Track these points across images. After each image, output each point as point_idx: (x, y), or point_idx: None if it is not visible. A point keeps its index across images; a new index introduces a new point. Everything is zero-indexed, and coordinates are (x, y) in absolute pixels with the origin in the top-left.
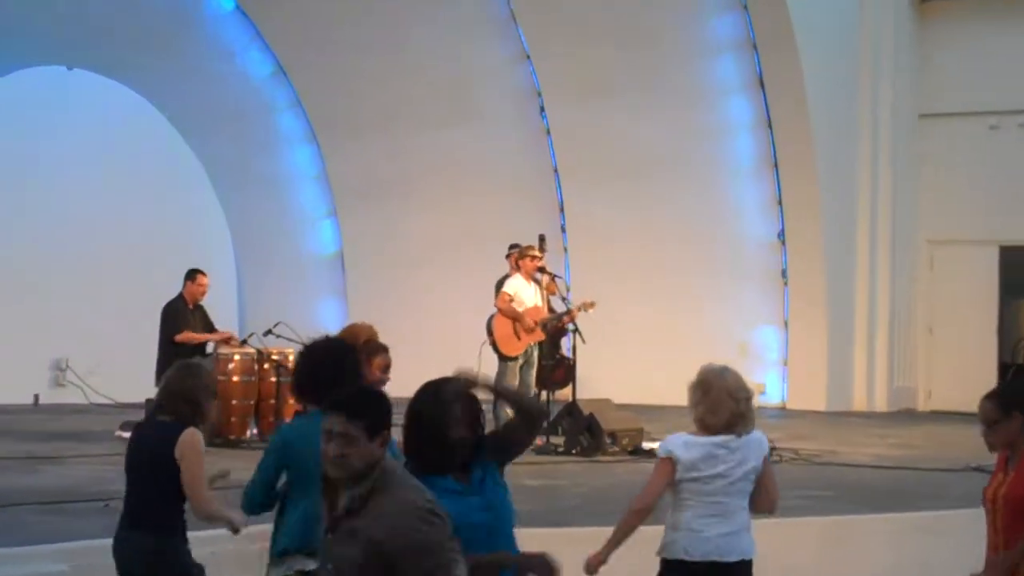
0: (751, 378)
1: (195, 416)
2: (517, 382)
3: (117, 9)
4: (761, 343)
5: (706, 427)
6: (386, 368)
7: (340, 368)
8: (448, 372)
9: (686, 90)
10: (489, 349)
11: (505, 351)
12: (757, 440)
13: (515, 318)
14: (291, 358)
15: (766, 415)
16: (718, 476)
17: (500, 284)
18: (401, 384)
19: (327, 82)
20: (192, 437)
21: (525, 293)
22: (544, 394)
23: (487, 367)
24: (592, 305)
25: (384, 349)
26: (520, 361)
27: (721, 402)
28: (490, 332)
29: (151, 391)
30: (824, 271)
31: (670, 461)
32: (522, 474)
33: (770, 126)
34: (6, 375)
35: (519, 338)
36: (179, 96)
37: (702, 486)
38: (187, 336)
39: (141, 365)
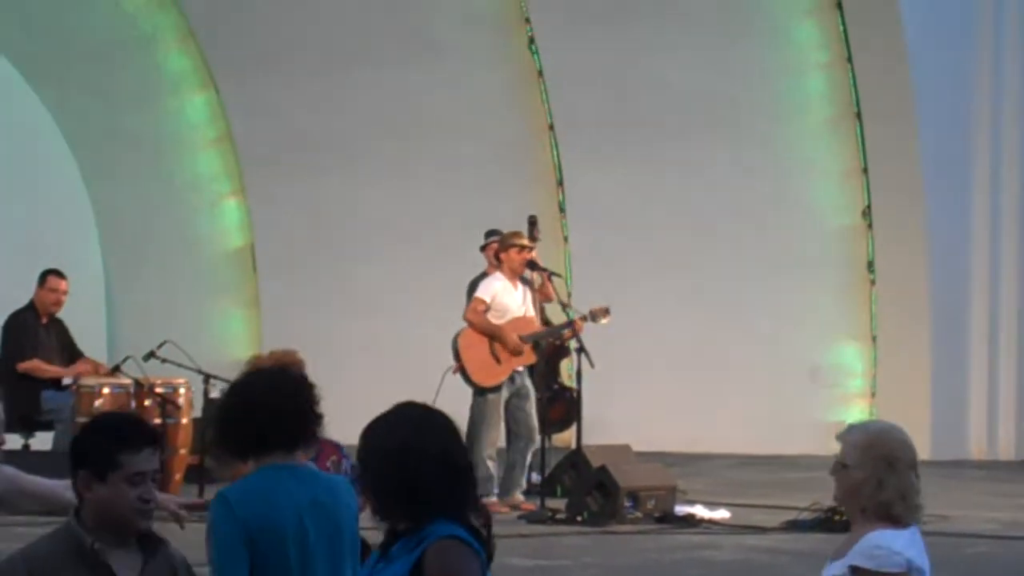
0: (826, 415)
1: None
2: (502, 425)
3: None
4: (839, 367)
5: (892, 519)
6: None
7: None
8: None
9: (733, 14)
10: (458, 378)
11: (480, 380)
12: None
13: (492, 335)
14: (182, 391)
15: None
16: None
17: (474, 286)
18: (335, 428)
19: (231, 6)
20: None
21: (508, 298)
22: (539, 439)
23: (454, 402)
24: (606, 313)
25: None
26: (504, 394)
27: (911, 482)
28: (457, 355)
29: None
30: (927, 265)
31: None
32: (505, 551)
33: (850, 61)
34: None
35: (499, 361)
36: (21, 26)
37: None
38: (35, 366)
39: None
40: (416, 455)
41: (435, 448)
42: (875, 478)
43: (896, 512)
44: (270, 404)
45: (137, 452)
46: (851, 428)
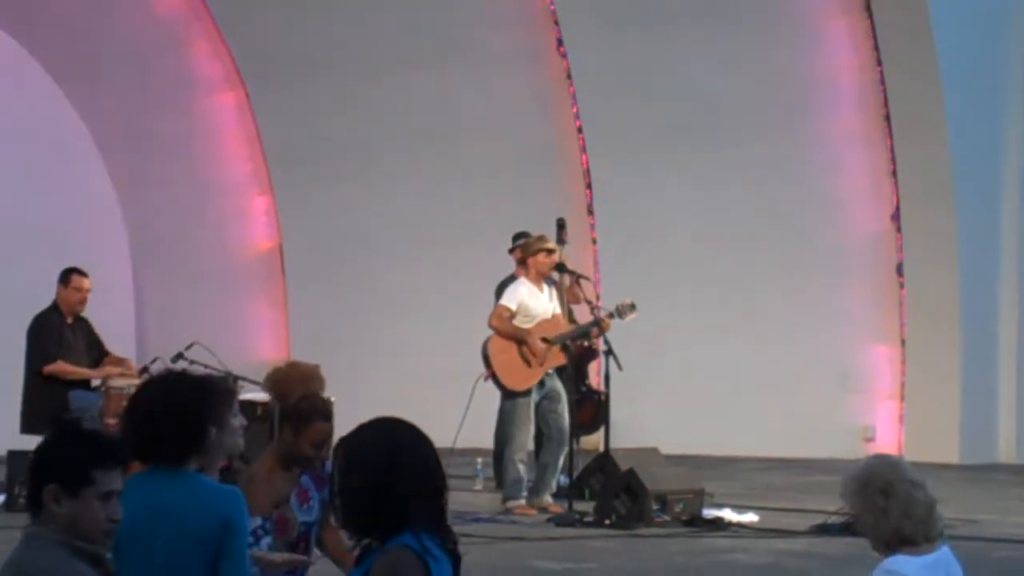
0: (856, 418)
1: None
2: (532, 427)
3: None
4: (868, 371)
5: (904, 540)
6: (322, 443)
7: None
8: (432, 419)
9: (763, 17)
10: (491, 384)
11: (512, 385)
12: (953, 561)
13: (519, 339)
14: None
15: None
16: None
17: (503, 288)
18: None
19: (260, 9)
20: None
21: (534, 302)
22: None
23: (487, 414)
24: (632, 308)
25: (325, 415)
26: (534, 397)
27: (912, 498)
28: (487, 361)
29: (13, 439)
30: (957, 268)
31: None
32: (533, 554)
33: (880, 63)
34: None
35: (529, 365)
36: (53, 29)
37: None
38: (60, 368)
39: None
40: (395, 472)
41: (414, 465)
42: (879, 511)
43: (907, 533)
44: (154, 412)
45: (110, 470)
46: (844, 482)
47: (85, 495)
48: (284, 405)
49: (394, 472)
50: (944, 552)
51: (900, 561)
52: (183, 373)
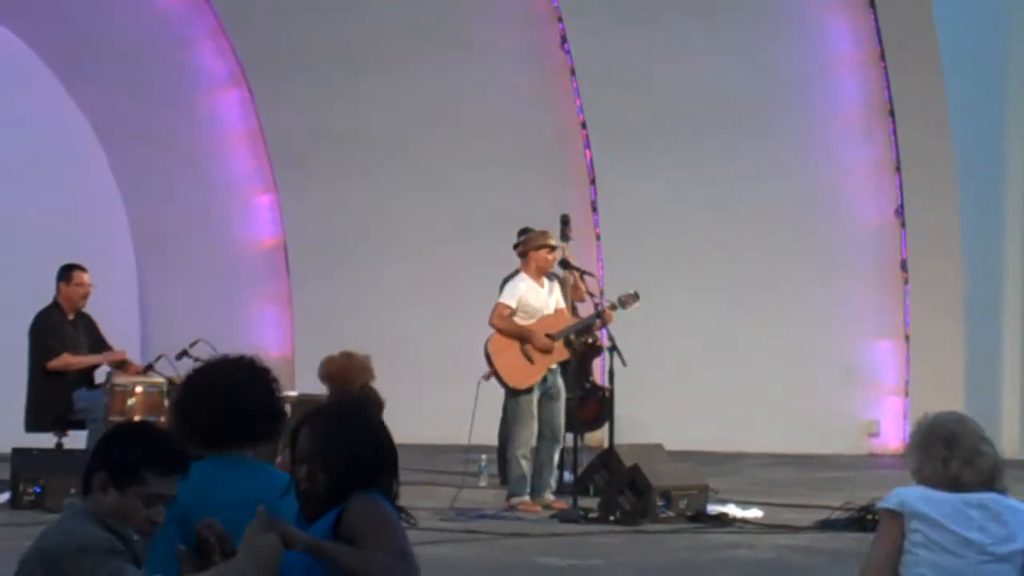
0: (860, 414)
1: None
2: (536, 424)
3: None
4: (872, 365)
5: (964, 484)
6: None
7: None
8: (437, 414)
9: (767, 11)
10: (494, 383)
11: (516, 383)
12: (995, 507)
13: (520, 337)
14: None
15: (881, 465)
16: (971, 544)
17: (507, 284)
18: None
19: (263, 5)
20: None
21: (535, 298)
22: (572, 438)
23: (493, 411)
24: (635, 299)
25: (380, 408)
26: (536, 394)
27: (977, 449)
28: (489, 361)
29: (18, 437)
30: (961, 263)
31: (899, 517)
32: (537, 550)
33: (883, 58)
34: None
35: (532, 361)
36: (55, 25)
37: (949, 558)
38: (65, 362)
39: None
40: (379, 453)
41: (388, 444)
42: (939, 460)
43: (967, 478)
44: (228, 396)
45: (164, 476)
46: (910, 436)
47: (131, 492)
48: (342, 394)
49: (379, 453)
50: (985, 497)
51: (911, 487)
52: (246, 359)
